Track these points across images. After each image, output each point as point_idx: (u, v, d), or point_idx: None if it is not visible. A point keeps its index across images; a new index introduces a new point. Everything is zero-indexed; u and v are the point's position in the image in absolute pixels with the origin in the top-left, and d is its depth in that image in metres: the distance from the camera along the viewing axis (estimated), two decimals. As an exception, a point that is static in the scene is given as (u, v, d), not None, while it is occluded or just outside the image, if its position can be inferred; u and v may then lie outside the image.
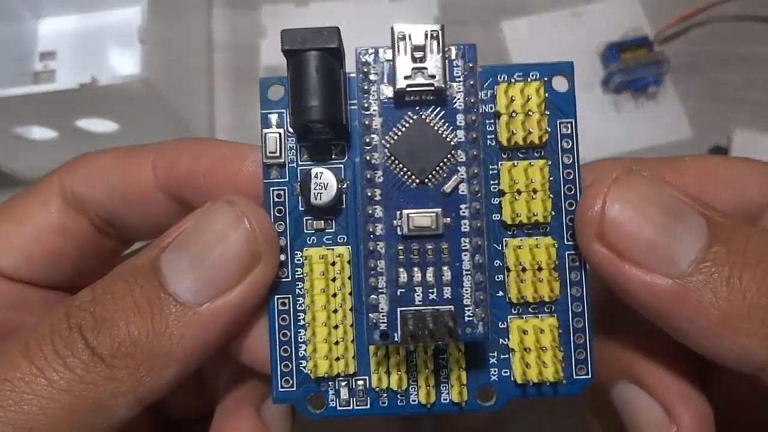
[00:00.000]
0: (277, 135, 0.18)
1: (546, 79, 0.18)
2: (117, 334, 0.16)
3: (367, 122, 0.17)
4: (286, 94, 0.17)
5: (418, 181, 0.16)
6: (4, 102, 0.39)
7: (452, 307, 0.17)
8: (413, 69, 0.16)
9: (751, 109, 0.52)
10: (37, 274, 0.20)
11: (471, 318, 0.17)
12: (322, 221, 0.18)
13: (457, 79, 0.17)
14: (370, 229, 0.17)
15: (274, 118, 0.18)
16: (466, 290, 0.17)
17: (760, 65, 0.53)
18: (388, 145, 0.17)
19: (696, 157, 0.20)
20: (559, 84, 0.18)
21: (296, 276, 0.19)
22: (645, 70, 0.51)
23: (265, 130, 0.18)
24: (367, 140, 0.17)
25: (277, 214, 0.18)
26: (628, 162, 0.20)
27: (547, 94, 0.18)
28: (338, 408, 0.19)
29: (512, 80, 0.18)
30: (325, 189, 0.17)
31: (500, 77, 0.18)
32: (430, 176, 0.16)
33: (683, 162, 0.20)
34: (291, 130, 0.18)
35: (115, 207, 0.20)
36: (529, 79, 0.18)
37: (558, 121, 0.18)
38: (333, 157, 0.18)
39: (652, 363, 0.19)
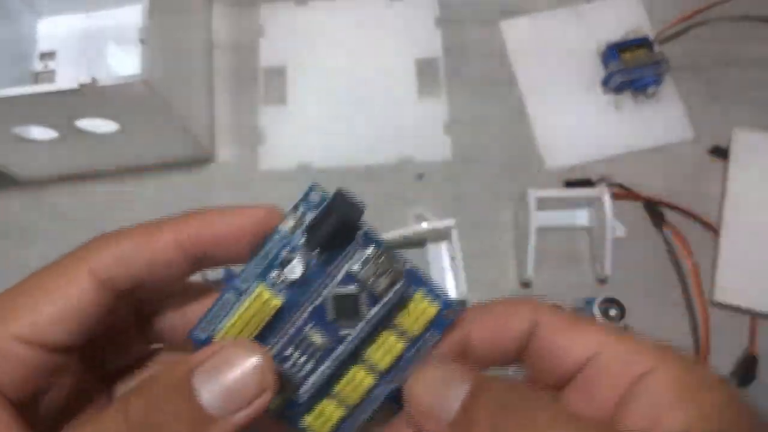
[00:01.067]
0: (293, 222, 0.24)
1: (441, 306, 0.24)
2: None
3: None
4: (321, 202, 0.23)
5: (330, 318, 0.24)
6: (4, 102, 0.39)
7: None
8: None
9: (751, 109, 0.52)
10: (70, 342, 0.23)
11: (299, 397, 0.24)
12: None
13: (384, 305, 0.23)
14: (296, 322, 0.24)
15: (300, 209, 0.24)
16: (311, 385, 0.24)
17: (760, 65, 0.53)
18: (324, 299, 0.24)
19: (502, 302, 0.25)
20: (450, 313, 0.24)
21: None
22: (645, 70, 0.51)
23: (288, 214, 0.24)
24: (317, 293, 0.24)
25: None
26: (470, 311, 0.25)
27: (432, 320, 0.24)
28: None
29: (422, 296, 0.24)
30: (293, 274, 0.24)
31: (418, 288, 0.24)
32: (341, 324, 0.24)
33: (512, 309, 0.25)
34: (304, 228, 0.24)
35: (140, 279, 0.24)
36: (430, 302, 0.24)
37: (428, 333, 0.24)
38: (315, 254, 0.24)
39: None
